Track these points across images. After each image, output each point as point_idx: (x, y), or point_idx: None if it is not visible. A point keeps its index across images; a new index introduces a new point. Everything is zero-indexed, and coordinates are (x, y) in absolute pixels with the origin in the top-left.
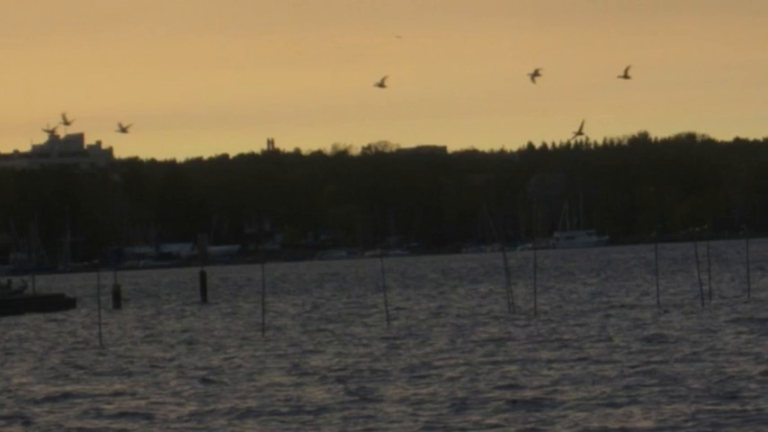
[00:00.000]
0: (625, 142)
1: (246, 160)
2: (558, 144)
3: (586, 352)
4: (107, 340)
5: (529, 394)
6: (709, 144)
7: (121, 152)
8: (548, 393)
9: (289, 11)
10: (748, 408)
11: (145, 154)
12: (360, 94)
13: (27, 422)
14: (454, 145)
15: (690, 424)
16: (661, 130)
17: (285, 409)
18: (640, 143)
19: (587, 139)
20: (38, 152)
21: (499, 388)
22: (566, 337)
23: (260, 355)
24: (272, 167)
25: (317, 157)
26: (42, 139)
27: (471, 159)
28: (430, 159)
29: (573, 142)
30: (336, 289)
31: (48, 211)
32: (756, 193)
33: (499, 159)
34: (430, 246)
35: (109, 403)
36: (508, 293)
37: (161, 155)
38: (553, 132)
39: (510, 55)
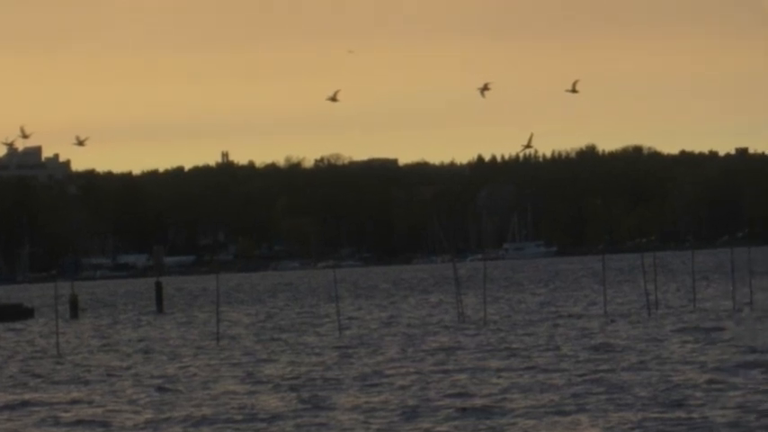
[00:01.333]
0: (573, 155)
1: (201, 173)
2: (507, 157)
3: (535, 361)
4: (64, 349)
5: (478, 402)
6: (656, 157)
7: (79, 165)
8: (497, 401)
9: (242, 25)
10: (694, 415)
11: (101, 167)
12: (312, 108)
13: None
14: (405, 158)
15: (636, 431)
16: (608, 143)
17: (239, 417)
18: (588, 156)
19: (536, 151)
20: None
21: (449, 396)
22: (515, 346)
23: (214, 364)
24: (226, 180)
25: (271, 169)
26: (1, 151)
27: (422, 172)
28: (381, 172)
29: (522, 155)
30: (290, 299)
31: (6, 222)
32: (702, 205)
33: (449, 172)
34: (381, 256)
35: (66, 411)
36: (458, 303)
37: (117, 167)
38: (502, 145)
39: (460, 69)
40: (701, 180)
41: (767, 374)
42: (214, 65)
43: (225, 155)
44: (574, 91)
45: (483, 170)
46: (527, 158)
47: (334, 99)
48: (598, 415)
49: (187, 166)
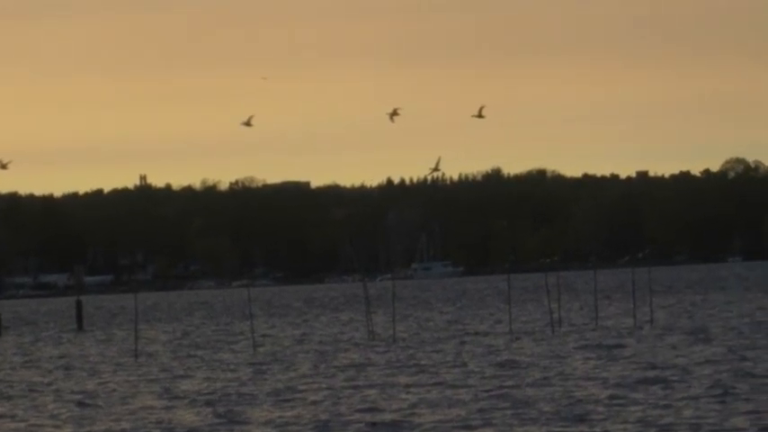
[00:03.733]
0: (479, 178)
1: (120, 195)
2: (415, 179)
3: (442, 377)
4: None
5: (388, 417)
6: (559, 180)
7: (1, 187)
8: (406, 416)
9: (159, 53)
10: (596, 430)
11: (24, 189)
12: (227, 133)
13: None
14: (317, 180)
15: None
16: (513, 166)
17: (157, 431)
18: (494, 179)
19: (443, 174)
20: None
21: (360, 411)
22: (423, 362)
23: (133, 380)
24: (144, 202)
25: (187, 192)
26: None
27: (333, 194)
28: (294, 194)
29: (430, 178)
30: (205, 317)
31: None
32: (604, 226)
33: (360, 194)
34: (294, 276)
35: None
36: (368, 321)
37: (39, 190)
38: (411, 169)
39: (370, 95)
40: (603, 202)
41: (667, 390)
42: (132, 91)
43: (143, 178)
44: (480, 116)
45: (392, 192)
46: (435, 181)
47: (248, 124)
48: (504, 429)
49: (106, 189)
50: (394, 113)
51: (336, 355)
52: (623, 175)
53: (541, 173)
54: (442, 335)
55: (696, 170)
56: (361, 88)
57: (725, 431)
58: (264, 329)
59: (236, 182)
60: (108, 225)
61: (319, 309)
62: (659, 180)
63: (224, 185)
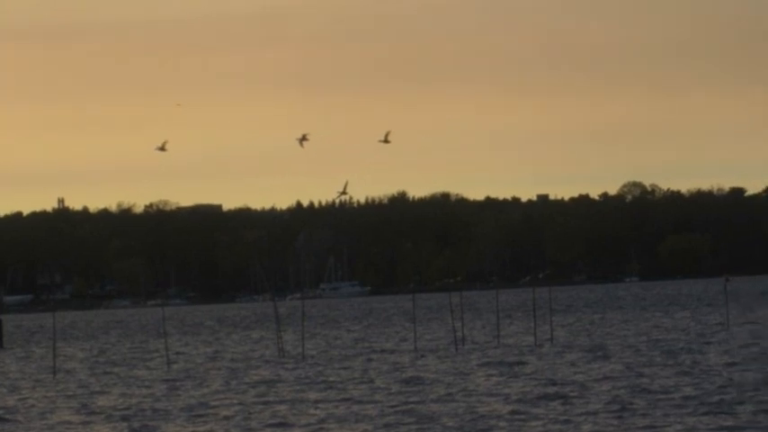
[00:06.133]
0: (385, 201)
1: (39, 217)
2: (324, 203)
3: (350, 393)
4: None
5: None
6: (463, 203)
7: None
8: (315, 431)
9: (76, 80)
10: None
11: None
12: (142, 157)
13: None
14: (229, 203)
15: None
16: (418, 189)
17: None
18: (399, 202)
19: (351, 198)
20: None
21: (270, 426)
22: (331, 379)
23: (51, 396)
24: (62, 224)
25: (104, 214)
26: None
27: (245, 216)
28: (207, 216)
29: (338, 201)
30: (121, 335)
31: None
32: (505, 247)
33: (270, 216)
34: (207, 295)
35: None
36: (278, 339)
37: None
38: (320, 192)
39: (280, 121)
40: (505, 224)
41: (566, 405)
42: (50, 117)
43: (61, 201)
44: (386, 141)
45: (302, 215)
46: (343, 204)
47: (162, 149)
48: None
49: (25, 212)
50: (303, 139)
51: (247, 372)
52: (524, 198)
53: (445, 196)
54: (349, 352)
55: (595, 193)
56: (271, 114)
57: None
58: (178, 347)
59: (151, 205)
60: (27, 246)
61: (231, 327)
62: (559, 203)
63: (139, 208)
